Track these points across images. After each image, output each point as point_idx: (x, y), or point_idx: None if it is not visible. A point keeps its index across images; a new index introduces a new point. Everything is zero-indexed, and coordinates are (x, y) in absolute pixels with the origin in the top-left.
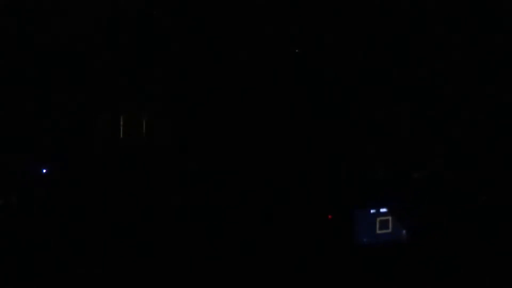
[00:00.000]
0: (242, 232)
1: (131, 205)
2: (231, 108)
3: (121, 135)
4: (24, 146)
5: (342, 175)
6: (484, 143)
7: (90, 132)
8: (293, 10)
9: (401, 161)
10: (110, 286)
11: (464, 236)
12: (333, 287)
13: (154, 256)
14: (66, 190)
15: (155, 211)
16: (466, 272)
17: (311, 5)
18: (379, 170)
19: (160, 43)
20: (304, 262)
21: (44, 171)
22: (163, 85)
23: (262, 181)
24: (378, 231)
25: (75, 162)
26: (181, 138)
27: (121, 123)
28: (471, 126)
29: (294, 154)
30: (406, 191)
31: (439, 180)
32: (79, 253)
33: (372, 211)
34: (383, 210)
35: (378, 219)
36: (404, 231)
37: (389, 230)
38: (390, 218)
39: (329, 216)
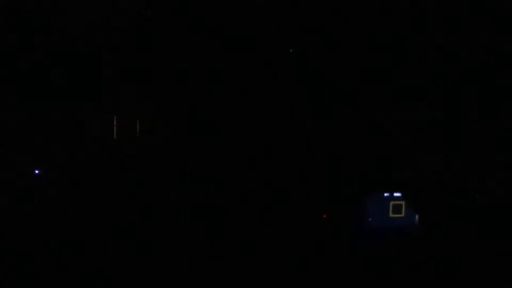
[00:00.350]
0: (236, 231)
1: (124, 204)
2: (229, 108)
3: (115, 136)
4: (17, 147)
5: (344, 171)
6: (484, 143)
7: (84, 132)
8: (293, 10)
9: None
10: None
11: (464, 236)
12: (333, 287)
13: (148, 255)
14: (59, 190)
15: (148, 210)
16: (466, 272)
17: (311, 5)
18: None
19: (153, 44)
20: (304, 261)
21: (37, 171)
22: (157, 86)
23: (260, 181)
24: (391, 215)
25: (69, 162)
26: (175, 139)
27: (115, 123)
28: (471, 126)
29: (293, 153)
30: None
31: (439, 179)
32: (72, 253)
33: (386, 194)
34: (396, 194)
35: (391, 203)
36: (416, 216)
37: (402, 215)
38: (403, 203)
39: (324, 215)
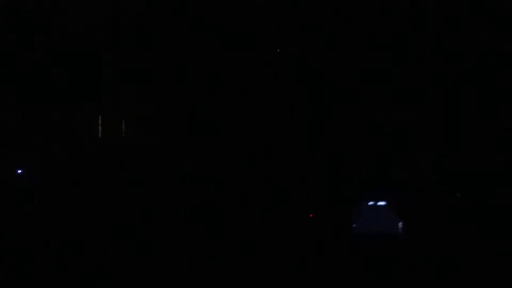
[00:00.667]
0: (236, 231)
1: (110, 203)
2: (229, 108)
3: (100, 135)
4: (14, 147)
5: (341, 173)
6: (484, 143)
7: (69, 131)
8: (293, 10)
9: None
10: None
11: (464, 236)
12: (333, 287)
13: (148, 255)
14: (44, 189)
15: (148, 210)
16: (466, 272)
17: (311, 5)
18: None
19: (153, 44)
20: (303, 260)
21: (19, 171)
22: (144, 85)
23: (260, 181)
24: (374, 223)
25: (54, 161)
26: (175, 139)
27: (100, 122)
28: (470, 126)
29: (293, 153)
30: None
31: (435, 179)
32: (72, 253)
33: (370, 203)
34: (381, 203)
35: (375, 211)
36: (400, 224)
37: (386, 223)
38: (388, 210)
39: (311, 215)
